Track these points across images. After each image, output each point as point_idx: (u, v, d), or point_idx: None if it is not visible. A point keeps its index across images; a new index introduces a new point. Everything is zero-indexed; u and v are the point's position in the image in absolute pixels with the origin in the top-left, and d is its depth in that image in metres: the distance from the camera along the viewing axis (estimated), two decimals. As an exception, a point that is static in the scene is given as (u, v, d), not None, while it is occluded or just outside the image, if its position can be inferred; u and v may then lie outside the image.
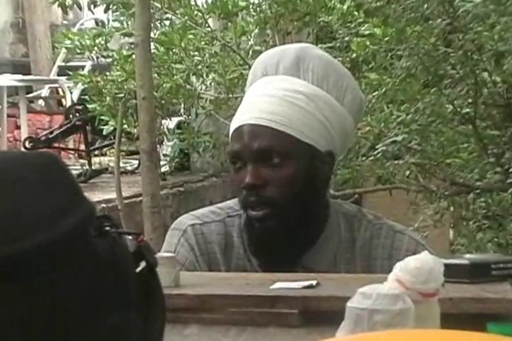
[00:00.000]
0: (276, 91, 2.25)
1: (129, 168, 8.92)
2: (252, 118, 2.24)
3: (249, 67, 6.35)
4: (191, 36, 6.79)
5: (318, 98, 2.25)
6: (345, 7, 5.91)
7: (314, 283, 1.86)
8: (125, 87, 6.78)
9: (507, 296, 1.75)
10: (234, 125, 2.29)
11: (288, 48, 2.38)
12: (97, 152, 9.77)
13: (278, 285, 1.86)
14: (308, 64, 2.28)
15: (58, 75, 11.29)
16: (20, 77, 10.66)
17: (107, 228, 1.08)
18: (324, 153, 2.26)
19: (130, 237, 1.12)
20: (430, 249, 2.11)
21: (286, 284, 1.86)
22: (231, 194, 4.74)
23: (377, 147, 5.48)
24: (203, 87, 7.12)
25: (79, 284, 1.02)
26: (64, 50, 9.65)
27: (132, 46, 6.35)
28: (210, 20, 6.90)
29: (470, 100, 5.46)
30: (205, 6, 6.82)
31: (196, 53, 6.81)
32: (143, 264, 1.10)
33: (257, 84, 2.32)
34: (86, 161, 9.23)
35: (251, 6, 6.94)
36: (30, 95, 10.81)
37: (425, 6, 5.44)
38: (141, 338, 1.08)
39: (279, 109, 2.22)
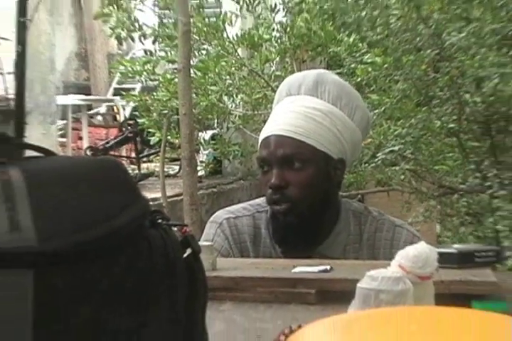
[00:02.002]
0: (298, 108, 2.25)
1: (172, 172, 8.89)
2: (278, 130, 2.24)
3: (272, 89, 6.49)
4: (223, 63, 6.80)
5: (333, 115, 2.25)
6: (351, 40, 5.91)
7: (328, 267, 1.85)
8: (169, 105, 6.78)
9: (488, 279, 1.75)
10: (262, 135, 2.29)
11: (308, 73, 2.38)
12: (145, 159, 9.77)
13: (298, 269, 1.85)
14: (325, 86, 2.28)
15: (114, 95, 11.30)
16: (82, 97, 10.69)
17: (159, 220, 1.08)
18: (337, 160, 2.26)
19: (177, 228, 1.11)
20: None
21: (305, 268, 1.85)
22: (256, 194, 4.75)
23: (377, 155, 5.47)
24: (233, 105, 7.12)
25: (136, 265, 1.02)
26: (118, 74, 9.67)
27: (175, 71, 6.35)
28: (239, 50, 6.90)
29: (455, 117, 5.45)
30: (235, 38, 6.82)
31: (228, 77, 6.82)
32: (188, 251, 1.09)
33: (282, 102, 2.32)
34: (136, 167, 9.22)
35: (273, 39, 6.94)
36: (91, 112, 10.83)
37: (418, 39, 5.43)
38: (186, 315, 1.07)
39: (300, 123, 2.22)
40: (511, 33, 5.23)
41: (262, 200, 2.34)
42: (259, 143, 2.31)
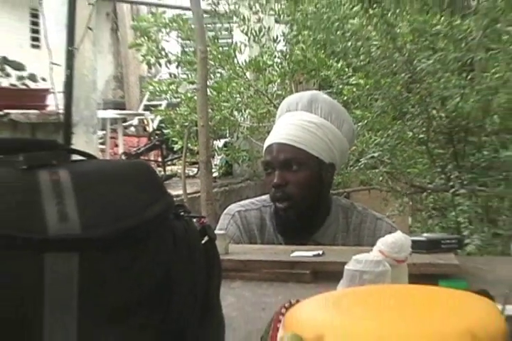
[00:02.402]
0: (296, 122, 2.24)
1: (191, 174, 8.88)
2: (279, 139, 2.23)
3: (274, 106, 6.49)
4: (234, 84, 6.80)
5: (325, 127, 2.24)
6: (339, 65, 5.90)
7: (321, 252, 1.85)
8: (189, 118, 6.79)
9: (452, 262, 1.75)
10: (267, 143, 2.28)
11: (304, 93, 2.37)
12: (169, 162, 9.76)
13: (296, 253, 1.85)
14: (318, 104, 2.27)
15: (144, 110, 11.32)
16: (118, 111, 10.70)
17: (181, 213, 1.08)
18: (328, 164, 2.25)
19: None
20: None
21: (302, 253, 1.85)
22: (261, 191, 4.76)
23: (360, 160, 5.47)
24: (242, 119, 7.12)
25: (162, 250, 1.01)
26: (148, 93, 9.67)
27: (194, 90, 6.35)
28: (247, 73, 6.90)
29: (424, 129, 5.44)
30: (244, 63, 6.82)
31: (237, 95, 6.81)
32: (206, 238, 1.09)
33: (283, 116, 2.32)
34: (162, 169, 9.22)
35: (275, 64, 6.94)
36: (125, 124, 10.83)
37: (393, 65, 5.43)
38: (204, 291, 1.07)
39: (297, 133, 2.21)
40: (469, 60, 5.23)
41: (266, 197, 2.33)
42: (263, 150, 2.30)
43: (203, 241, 1.08)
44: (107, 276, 0.96)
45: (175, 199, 1.08)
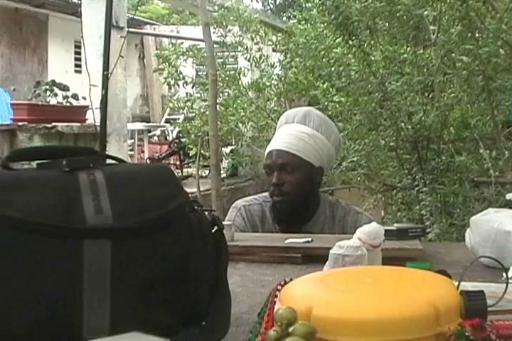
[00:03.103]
0: (293, 132, 2.23)
1: (204, 175, 8.84)
2: (278, 146, 2.22)
3: (272, 119, 6.48)
4: (239, 101, 6.79)
5: (316, 137, 2.23)
6: (325, 86, 5.88)
7: (310, 239, 1.84)
8: (202, 129, 6.77)
9: (417, 247, 1.74)
10: (268, 149, 2.27)
11: (300, 109, 2.36)
12: (185, 166, 9.74)
13: (290, 240, 1.84)
14: (311, 118, 2.26)
15: (165, 123, 11.30)
16: (144, 124, 10.68)
17: (196, 207, 1.07)
18: (318, 168, 2.24)
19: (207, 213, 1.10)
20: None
21: (295, 240, 1.84)
22: (261, 189, 4.75)
23: (342, 164, 5.45)
24: (245, 130, 7.12)
25: (180, 238, 1.01)
26: (168, 109, 9.68)
27: (206, 106, 6.34)
28: (249, 93, 6.90)
29: (394, 138, 5.42)
30: (247, 84, 6.82)
31: (242, 111, 6.80)
32: (215, 228, 1.08)
33: (281, 127, 2.30)
34: (180, 171, 9.21)
35: (272, 85, 6.94)
36: (150, 134, 10.81)
37: (369, 86, 5.42)
38: (214, 271, 1.06)
39: (293, 142, 2.20)
40: (430, 83, 5.22)
41: (266, 193, 2.31)
42: (265, 155, 2.29)
43: (213, 231, 1.08)
44: (135, 259, 0.96)
45: (190, 195, 1.07)
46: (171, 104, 8.07)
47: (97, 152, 1.09)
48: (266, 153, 2.28)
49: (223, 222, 1.13)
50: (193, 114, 7.30)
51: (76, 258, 0.92)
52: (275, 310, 0.93)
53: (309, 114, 2.29)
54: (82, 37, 5.08)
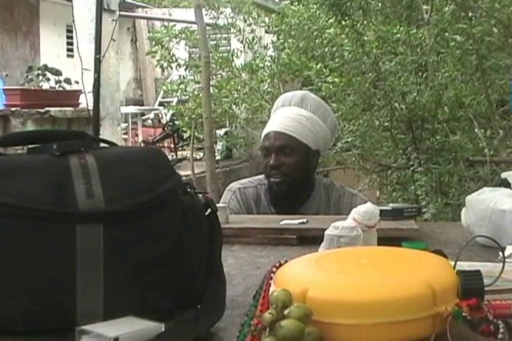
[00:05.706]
0: (290, 114, 2.23)
1: (198, 157, 8.79)
2: (276, 128, 2.22)
3: (265, 101, 6.46)
4: (232, 83, 6.78)
5: (313, 120, 2.23)
6: (318, 67, 5.85)
7: (305, 220, 1.83)
8: (196, 111, 6.75)
9: (412, 227, 1.73)
10: (265, 131, 2.26)
11: (297, 92, 2.36)
12: (180, 148, 9.70)
13: (284, 222, 1.83)
14: (308, 101, 2.26)
15: (159, 106, 11.24)
16: (138, 107, 10.63)
17: (189, 189, 1.06)
18: (314, 150, 2.24)
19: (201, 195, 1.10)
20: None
21: (289, 221, 1.83)
22: (256, 171, 4.76)
23: (337, 144, 5.45)
24: (239, 111, 7.10)
25: (173, 220, 1.01)
26: (162, 91, 9.64)
27: (200, 89, 6.31)
28: (243, 74, 6.88)
29: (388, 118, 5.42)
30: (240, 66, 6.80)
31: (235, 92, 6.79)
32: (209, 210, 1.07)
33: (278, 110, 2.29)
34: (174, 154, 9.17)
35: (265, 67, 6.91)
36: (143, 117, 10.75)
37: (362, 66, 5.41)
38: (208, 253, 1.06)
39: (291, 124, 2.20)
40: (424, 62, 5.21)
41: (261, 176, 2.31)
42: (262, 137, 2.28)
43: (207, 213, 1.07)
44: (127, 242, 0.95)
45: (185, 178, 1.06)
46: (164, 87, 8.03)
47: (88, 135, 1.08)
48: (263, 135, 2.27)
49: (217, 205, 1.12)
50: (187, 97, 7.28)
51: (69, 243, 0.92)
52: (270, 293, 0.92)
53: (306, 97, 2.28)
54: (74, 21, 5.05)
